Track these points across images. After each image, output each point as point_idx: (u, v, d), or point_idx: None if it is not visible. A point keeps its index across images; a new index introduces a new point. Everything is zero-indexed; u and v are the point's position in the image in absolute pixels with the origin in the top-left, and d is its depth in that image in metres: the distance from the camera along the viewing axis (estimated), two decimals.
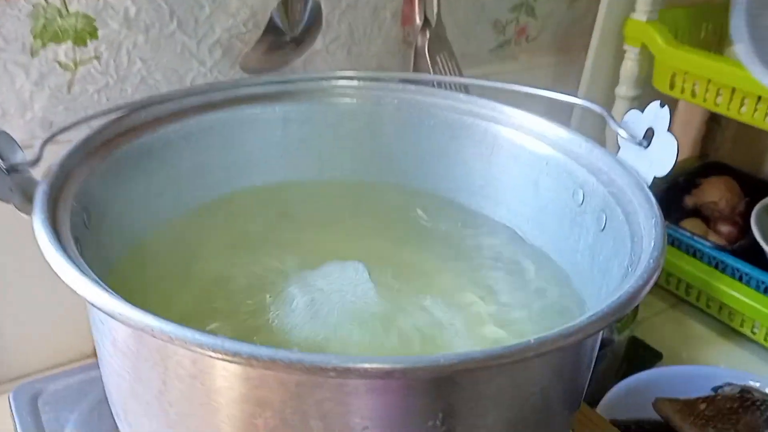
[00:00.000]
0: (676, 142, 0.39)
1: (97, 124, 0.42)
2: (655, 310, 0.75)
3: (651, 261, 0.33)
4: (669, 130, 0.40)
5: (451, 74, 0.66)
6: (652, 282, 0.32)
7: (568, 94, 0.45)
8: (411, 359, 0.26)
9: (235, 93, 0.49)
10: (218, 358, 0.25)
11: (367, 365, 0.25)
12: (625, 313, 0.30)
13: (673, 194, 0.81)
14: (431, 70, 0.65)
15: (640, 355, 0.68)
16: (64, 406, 0.49)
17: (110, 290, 0.28)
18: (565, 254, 0.45)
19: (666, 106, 0.40)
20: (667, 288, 0.75)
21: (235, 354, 0.24)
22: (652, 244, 0.34)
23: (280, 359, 0.24)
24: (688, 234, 0.73)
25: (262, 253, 0.46)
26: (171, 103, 0.45)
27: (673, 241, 0.74)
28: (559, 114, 0.48)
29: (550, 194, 0.46)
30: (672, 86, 0.71)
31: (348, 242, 0.48)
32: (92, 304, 0.27)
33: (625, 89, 0.76)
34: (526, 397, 0.31)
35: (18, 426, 0.47)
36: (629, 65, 0.75)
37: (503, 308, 0.43)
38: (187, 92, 0.46)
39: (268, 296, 0.42)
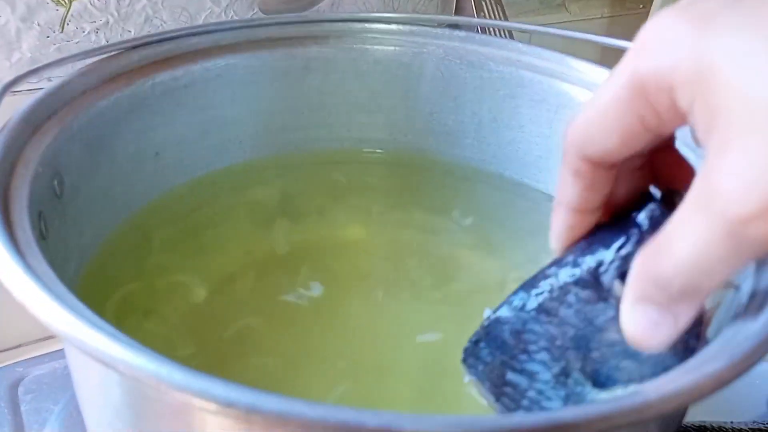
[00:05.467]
0: None
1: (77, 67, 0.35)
2: None
3: None
4: None
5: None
6: None
7: None
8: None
9: (248, 35, 0.41)
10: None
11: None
12: None
13: None
14: (476, 16, 0.56)
15: None
16: (48, 395, 0.43)
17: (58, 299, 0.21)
18: None
19: None
20: None
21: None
22: None
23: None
24: None
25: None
26: (170, 45, 0.37)
27: None
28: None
29: None
30: None
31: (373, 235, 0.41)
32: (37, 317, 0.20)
33: None
34: None
35: None
36: None
37: None
38: (190, 31, 0.38)
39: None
